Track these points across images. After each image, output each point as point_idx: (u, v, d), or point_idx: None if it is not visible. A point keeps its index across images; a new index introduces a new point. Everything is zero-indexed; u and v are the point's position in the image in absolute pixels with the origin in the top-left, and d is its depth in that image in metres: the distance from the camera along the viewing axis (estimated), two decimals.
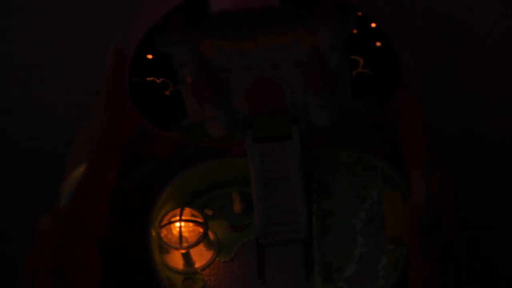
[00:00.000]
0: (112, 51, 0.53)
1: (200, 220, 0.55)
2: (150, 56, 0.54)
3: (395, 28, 0.51)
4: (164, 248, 0.55)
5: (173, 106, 0.57)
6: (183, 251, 0.54)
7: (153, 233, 0.55)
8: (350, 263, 0.53)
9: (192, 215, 0.55)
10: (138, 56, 0.52)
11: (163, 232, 0.54)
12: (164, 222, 0.55)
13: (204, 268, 0.55)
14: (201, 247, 0.55)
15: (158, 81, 0.57)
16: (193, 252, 0.55)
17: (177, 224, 0.54)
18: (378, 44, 0.55)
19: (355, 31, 0.53)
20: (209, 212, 0.58)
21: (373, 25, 0.53)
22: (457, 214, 0.49)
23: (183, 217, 0.54)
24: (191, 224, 0.55)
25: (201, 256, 0.55)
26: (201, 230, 0.54)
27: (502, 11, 0.68)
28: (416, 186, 0.49)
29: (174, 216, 0.55)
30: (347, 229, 0.54)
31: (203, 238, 0.54)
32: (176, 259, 0.55)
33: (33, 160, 0.75)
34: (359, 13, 0.52)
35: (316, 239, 0.54)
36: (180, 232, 0.54)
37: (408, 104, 0.53)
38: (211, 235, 0.56)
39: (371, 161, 0.57)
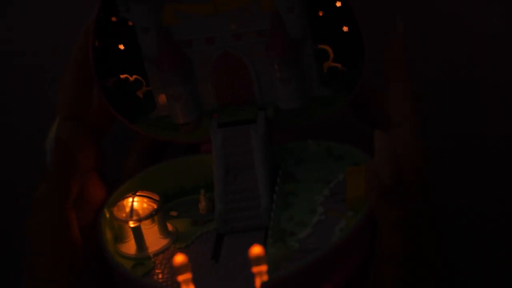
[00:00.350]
0: (83, 31, 0.54)
1: (154, 197, 0.51)
2: (114, 19, 0.55)
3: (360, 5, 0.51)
4: (119, 237, 0.52)
5: (141, 99, 0.57)
6: (133, 225, 0.50)
7: (106, 214, 0.52)
8: (305, 228, 0.49)
9: (148, 197, 0.52)
10: (104, 32, 0.53)
11: (115, 210, 0.51)
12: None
13: (157, 253, 0.51)
14: (156, 235, 0.52)
15: (131, 78, 0.56)
16: (148, 238, 0.51)
17: (130, 199, 0.51)
18: (345, 29, 0.54)
19: (320, 13, 0.54)
20: (174, 213, 0.55)
21: (338, 4, 0.53)
22: (423, 180, 0.47)
23: (136, 193, 0.52)
24: (145, 204, 0.51)
25: (155, 244, 0.52)
26: (155, 206, 0.51)
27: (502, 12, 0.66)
28: (379, 144, 0.46)
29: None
30: (308, 203, 0.51)
31: (155, 213, 0.51)
32: (130, 247, 0.52)
33: (33, 160, 0.70)
34: None
35: (274, 213, 0.50)
36: (132, 205, 0.51)
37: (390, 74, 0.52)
38: (169, 226, 0.53)
39: (341, 150, 0.54)
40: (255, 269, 0.43)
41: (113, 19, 0.54)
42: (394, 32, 0.53)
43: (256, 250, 0.43)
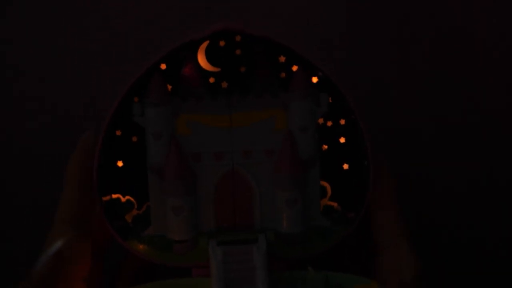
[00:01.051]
0: (82, 146, 0.54)
1: None
2: (118, 133, 0.55)
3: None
4: None
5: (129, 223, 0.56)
6: None
7: None
8: None
9: None
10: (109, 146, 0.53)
11: None
12: None
13: None
14: None
15: (123, 199, 0.55)
16: None
17: None
18: (345, 167, 0.56)
19: (324, 147, 0.55)
20: None
21: (342, 140, 0.55)
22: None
23: None
24: None
25: None
26: None
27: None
28: (401, 263, 0.49)
29: None
30: None
31: None
32: None
33: (33, 160, 0.73)
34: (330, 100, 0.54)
35: None
36: None
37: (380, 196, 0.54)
38: None
39: (339, 279, 0.53)
40: None
41: (118, 133, 0.54)
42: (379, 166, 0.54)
43: None
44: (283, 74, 0.54)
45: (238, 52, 0.54)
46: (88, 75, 0.70)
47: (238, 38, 0.53)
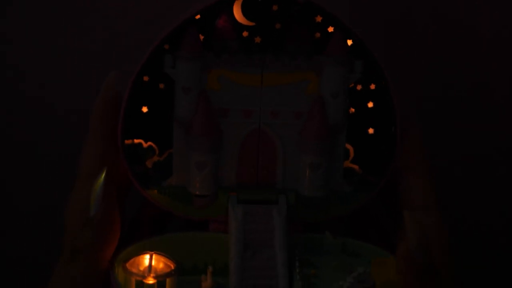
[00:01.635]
0: (106, 87, 0.53)
1: (171, 259, 0.50)
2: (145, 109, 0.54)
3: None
4: None
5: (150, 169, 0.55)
6: (151, 281, 0.49)
7: (116, 270, 0.50)
8: None
9: (165, 257, 0.51)
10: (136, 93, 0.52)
11: (128, 265, 0.50)
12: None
13: None
14: None
15: (145, 145, 0.55)
16: None
17: (147, 256, 0.50)
18: (371, 131, 0.55)
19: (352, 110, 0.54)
20: None
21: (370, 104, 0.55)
22: (450, 259, 0.48)
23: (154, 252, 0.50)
24: (162, 264, 0.50)
25: None
26: (172, 266, 0.50)
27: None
28: (409, 227, 0.46)
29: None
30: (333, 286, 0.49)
31: (174, 273, 0.49)
32: None
33: (33, 160, 0.73)
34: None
35: None
36: (150, 262, 0.50)
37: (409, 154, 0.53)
38: None
39: (357, 247, 0.53)
40: None
41: (145, 78, 0.53)
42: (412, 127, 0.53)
43: None
44: (318, 34, 0.53)
45: (274, 7, 0.53)
46: (88, 75, 0.69)
47: None
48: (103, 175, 0.49)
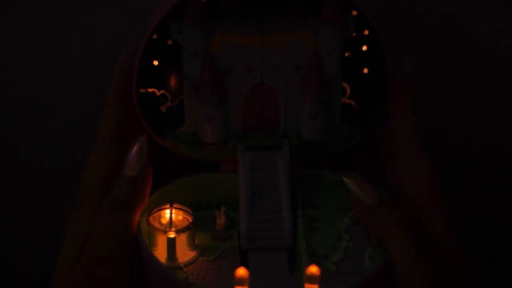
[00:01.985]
0: (121, 59, 0.57)
1: (188, 210, 0.55)
2: (156, 63, 0.58)
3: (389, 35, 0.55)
4: (150, 243, 0.54)
5: (170, 115, 0.60)
6: (172, 235, 0.53)
7: (141, 223, 0.54)
8: (337, 252, 0.53)
9: (183, 210, 0.56)
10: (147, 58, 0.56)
11: (151, 219, 0.54)
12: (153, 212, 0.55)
13: (187, 264, 0.54)
14: (184, 246, 0.54)
15: (158, 93, 0.59)
16: (177, 249, 0.54)
17: (167, 211, 0.55)
18: (365, 71, 0.59)
19: (346, 54, 0.58)
20: None
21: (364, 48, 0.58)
22: (440, 203, 0.52)
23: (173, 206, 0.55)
24: (180, 216, 0.55)
25: (184, 255, 0.54)
26: (190, 219, 0.54)
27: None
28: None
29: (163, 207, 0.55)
30: (333, 229, 0.55)
31: (192, 226, 0.54)
32: (158, 256, 0.53)
33: (33, 160, 0.74)
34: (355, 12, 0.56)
35: (302, 233, 0.54)
36: (171, 217, 0.54)
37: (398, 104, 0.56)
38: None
39: None
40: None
41: (154, 36, 0.57)
42: (400, 70, 0.57)
43: (313, 269, 0.47)
44: None
45: None
46: (88, 75, 0.70)
47: None
48: (145, 139, 0.54)
